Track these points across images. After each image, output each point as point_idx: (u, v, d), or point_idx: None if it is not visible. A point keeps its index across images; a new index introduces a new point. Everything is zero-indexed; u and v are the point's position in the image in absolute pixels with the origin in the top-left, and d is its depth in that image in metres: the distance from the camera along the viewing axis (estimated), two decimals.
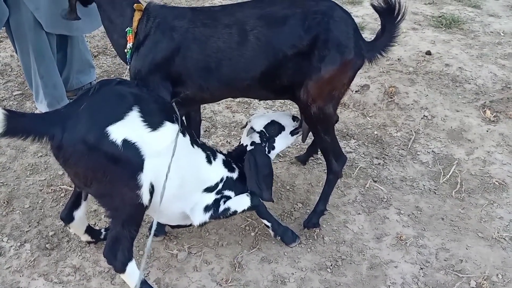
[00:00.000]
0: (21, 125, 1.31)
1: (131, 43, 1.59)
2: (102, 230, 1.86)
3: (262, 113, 2.43)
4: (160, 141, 1.42)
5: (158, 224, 1.89)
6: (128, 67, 1.64)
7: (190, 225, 1.77)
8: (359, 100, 2.85)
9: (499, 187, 2.27)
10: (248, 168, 1.79)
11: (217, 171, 1.75)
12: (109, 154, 1.34)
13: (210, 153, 1.75)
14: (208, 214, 1.70)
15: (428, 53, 3.31)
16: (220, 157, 1.79)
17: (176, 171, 1.47)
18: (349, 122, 2.69)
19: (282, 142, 1.93)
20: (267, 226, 1.87)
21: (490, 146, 2.51)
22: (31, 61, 2.36)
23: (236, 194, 1.79)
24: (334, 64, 1.61)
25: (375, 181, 2.29)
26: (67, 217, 1.67)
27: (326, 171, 2.32)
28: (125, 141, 1.34)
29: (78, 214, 1.67)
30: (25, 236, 1.91)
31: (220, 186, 1.74)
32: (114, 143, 1.33)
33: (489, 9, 4.02)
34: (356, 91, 2.91)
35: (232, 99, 2.80)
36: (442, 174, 2.34)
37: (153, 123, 1.41)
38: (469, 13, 3.92)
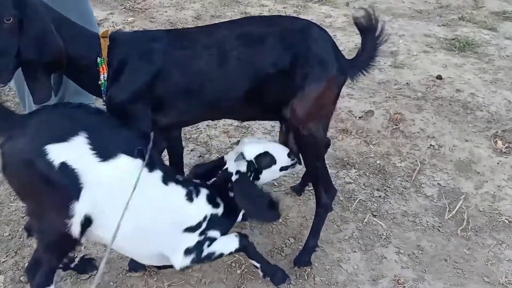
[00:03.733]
0: None
1: (105, 74, 1.49)
2: (76, 259, 1.78)
3: (257, 139, 2.33)
4: (107, 173, 1.33)
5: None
6: (104, 99, 1.53)
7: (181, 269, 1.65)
8: (362, 126, 2.72)
9: (508, 225, 2.10)
10: (242, 203, 1.66)
11: (200, 209, 1.61)
12: (43, 174, 1.28)
13: (193, 189, 1.61)
14: (190, 258, 1.56)
15: (439, 77, 3.17)
16: (203, 192, 1.65)
17: (133, 210, 1.37)
18: (351, 150, 2.56)
19: (268, 176, 1.79)
20: (256, 267, 1.75)
21: (500, 180, 2.35)
22: (24, 80, 2.32)
23: (222, 232, 1.67)
24: (318, 81, 1.57)
25: (374, 216, 2.15)
26: (29, 230, 1.62)
27: None
28: (63, 165, 1.27)
29: None
30: (0, 267, 1.84)
31: (204, 225, 1.60)
32: (50, 164, 1.26)
33: (506, 31, 3.86)
34: (359, 117, 2.79)
35: (230, 123, 2.71)
36: (448, 209, 2.19)
37: (104, 154, 1.33)
38: (484, 36, 3.76)
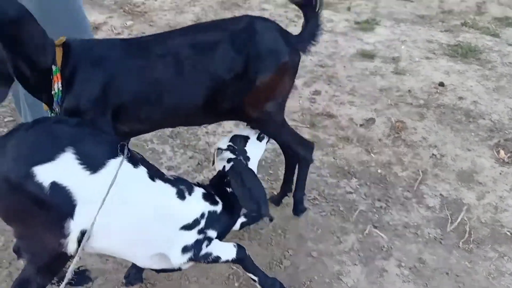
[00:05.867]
0: None
1: (59, 83, 1.45)
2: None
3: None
4: (99, 184, 1.30)
5: (135, 270, 1.76)
6: (57, 109, 1.50)
7: (180, 269, 1.62)
8: (363, 135, 2.69)
9: (510, 238, 2.07)
10: (236, 186, 1.62)
11: (195, 206, 1.57)
12: (33, 197, 1.23)
13: (184, 187, 1.56)
14: (187, 256, 1.53)
15: (441, 84, 3.14)
16: (198, 191, 1.61)
17: (128, 212, 1.35)
18: (352, 158, 2.53)
19: (253, 150, 1.80)
20: (254, 280, 1.72)
21: (503, 190, 2.32)
22: (19, 88, 2.28)
23: (222, 230, 1.64)
24: (270, 70, 1.63)
25: (375, 227, 2.12)
26: (18, 252, 1.57)
27: (321, 213, 2.18)
28: (54, 184, 1.23)
29: None
30: None
31: (202, 223, 1.56)
32: (40, 185, 1.22)
33: (509, 38, 3.82)
34: (360, 125, 2.76)
35: (228, 130, 2.68)
36: (450, 221, 2.16)
37: (93, 165, 1.29)
38: (487, 42, 3.73)
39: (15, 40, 1.36)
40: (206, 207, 1.59)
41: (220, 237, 1.63)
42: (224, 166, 1.75)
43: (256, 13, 4.21)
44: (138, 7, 4.33)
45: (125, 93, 1.53)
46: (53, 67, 1.43)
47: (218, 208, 1.63)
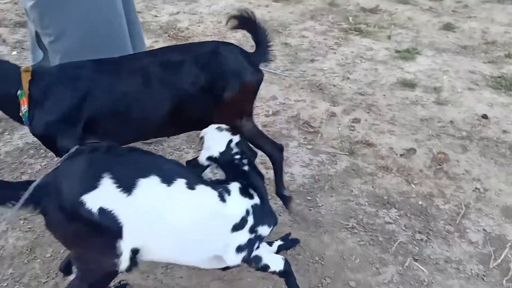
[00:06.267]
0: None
1: (25, 106, 1.60)
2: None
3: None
4: (136, 204, 1.36)
5: None
6: (29, 128, 1.65)
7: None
8: (403, 165, 2.66)
9: None
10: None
11: (237, 205, 1.58)
12: (86, 223, 1.32)
13: (222, 189, 1.58)
14: (241, 256, 1.57)
15: (485, 116, 3.08)
16: (234, 188, 1.61)
17: (173, 224, 1.42)
18: (391, 188, 2.50)
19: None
20: None
21: None
22: (32, 37, 2.36)
23: (270, 225, 1.65)
24: (234, 88, 1.79)
25: (416, 260, 2.07)
26: (65, 270, 1.66)
27: (360, 242, 2.16)
28: (101, 210, 1.32)
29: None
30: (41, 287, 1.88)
31: (251, 220, 1.57)
32: (90, 212, 1.31)
33: None
34: (400, 155, 2.73)
35: None
36: (493, 257, 2.09)
37: (127, 186, 1.36)
38: None
39: None
40: (247, 202, 1.61)
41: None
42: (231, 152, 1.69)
43: (296, 39, 4.29)
44: (182, 32, 4.49)
45: (96, 109, 1.67)
46: (19, 92, 1.59)
47: (257, 200, 1.64)
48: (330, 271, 2.01)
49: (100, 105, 1.66)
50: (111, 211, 1.33)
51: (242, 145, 1.70)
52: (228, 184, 1.62)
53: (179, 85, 1.73)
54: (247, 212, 1.58)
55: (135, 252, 1.38)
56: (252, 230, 1.58)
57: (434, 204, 2.39)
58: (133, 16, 2.46)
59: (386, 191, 2.48)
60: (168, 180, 1.43)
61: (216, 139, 1.71)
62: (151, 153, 1.58)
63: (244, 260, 1.58)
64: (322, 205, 2.36)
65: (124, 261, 1.37)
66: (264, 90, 3.41)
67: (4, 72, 1.63)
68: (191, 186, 1.48)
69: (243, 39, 4.30)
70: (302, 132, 2.95)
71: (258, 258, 1.60)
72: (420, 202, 2.41)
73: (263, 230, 1.61)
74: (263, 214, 1.63)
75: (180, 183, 1.46)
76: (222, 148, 1.69)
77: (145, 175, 1.39)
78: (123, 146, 1.56)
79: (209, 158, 1.70)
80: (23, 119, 1.64)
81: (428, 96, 3.33)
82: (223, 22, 4.65)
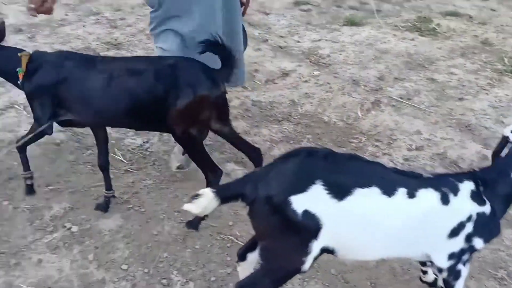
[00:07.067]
0: (227, 193, 1.53)
1: (21, 80, 2.18)
2: None
3: None
4: (345, 210, 1.42)
5: None
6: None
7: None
8: None
9: None
10: None
11: (461, 208, 1.50)
12: (288, 221, 1.42)
13: (448, 189, 1.50)
14: (450, 263, 1.55)
15: None
16: (466, 189, 1.51)
17: (381, 230, 1.47)
18: None
19: None
20: None
21: None
22: None
23: (486, 240, 1.57)
24: (187, 98, 2.03)
25: None
26: (241, 256, 1.77)
27: None
28: (305, 212, 1.41)
29: (251, 256, 1.75)
30: (191, 275, 2.05)
31: (470, 227, 1.50)
32: (294, 212, 1.41)
33: None
34: None
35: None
36: None
37: (339, 193, 1.42)
38: None
39: None
40: (474, 208, 1.52)
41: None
42: None
43: (443, 76, 4.13)
44: (324, 58, 4.59)
45: (69, 92, 2.14)
46: (18, 69, 2.17)
47: (487, 209, 1.54)
48: None
49: (71, 90, 2.13)
50: (314, 213, 1.41)
51: None
52: (461, 181, 1.54)
53: (134, 90, 2.08)
54: (469, 218, 1.50)
55: (324, 250, 1.47)
56: (468, 239, 1.52)
57: None
58: (237, 26, 2.58)
59: None
60: (388, 191, 1.45)
61: None
62: (372, 162, 1.65)
63: (450, 269, 1.54)
64: None
65: (309, 261, 1.47)
66: (407, 124, 3.34)
67: (10, 55, 2.22)
68: (412, 194, 1.46)
69: (385, 71, 4.28)
70: (449, 172, 2.81)
71: (457, 274, 1.54)
72: None
73: (478, 242, 1.55)
74: (485, 226, 1.53)
75: (400, 194, 1.46)
76: None
77: (364, 185, 1.44)
78: (343, 153, 1.65)
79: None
80: (20, 86, 2.24)
81: None
82: (364, 52, 4.68)
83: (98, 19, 5.20)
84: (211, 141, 3.09)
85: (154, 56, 2.33)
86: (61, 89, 2.12)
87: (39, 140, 2.55)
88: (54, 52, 2.35)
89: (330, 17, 5.71)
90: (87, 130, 2.44)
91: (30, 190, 2.47)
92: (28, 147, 2.38)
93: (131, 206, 2.44)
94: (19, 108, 3.31)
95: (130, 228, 2.32)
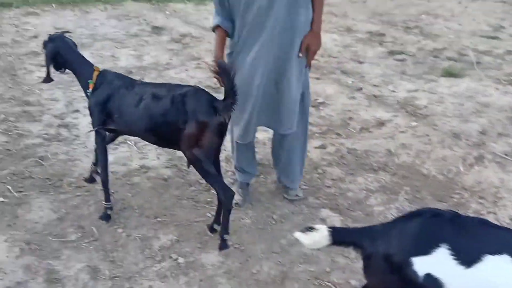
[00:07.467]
0: (342, 238, 1.54)
1: (90, 89, 2.61)
2: None
3: None
4: (472, 278, 1.36)
5: None
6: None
7: None
8: None
9: None
10: None
11: None
12: (408, 282, 1.39)
13: None
14: None
15: None
16: None
17: None
18: None
19: None
20: None
21: None
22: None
23: None
24: (192, 124, 2.33)
25: None
26: None
27: None
28: (428, 275, 1.37)
29: None
30: None
31: None
32: (415, 273, 1.38)
33: None
34: None
35: None
36: None
37: (468, 260, 1.36)
38: None
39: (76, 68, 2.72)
40: None
41: None
42: None
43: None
44: (421, 109, 4.51)
45: (113, 105, 2.54)
46: (89, 80, 2.61)
47: None
48: None
49: (114, 105, 2.53)
50: (437, 278, 1.37)
51: None
52: None
53: (153, 112, 2.42)
54: None
55: None
56: None
57: None
58: (298, 95, 2.71)
59: None
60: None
61: None
62: (503, 227, 1.60)
63: None
64: None
65: None
66: None
67: (89, 66, 2.66)
68: None
69: (488, 125, 4.09)
70: None
71: None
72: None
73: None
74: None
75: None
76: None
77: (494, 252, 1.39)
78: (470, 216, 1.61)
79: None
80: (89, 95, 2.62)
81: None
82: (465, 105, 4.53)
83: (199, 63, 5.64)
84: (306, 186, 3.15)
85: (174, 83, 2.68)
86: (108, 104, 2.56)
87: (149, 175, 2.79)
88: (113, 72, 2.73)
89: (427, 67, 5.64)
90: (191, 168, 2.63)
91: (106, 217, 2.74)
92: (140, 181, 2.61)
93: (231, 243, 2.55)
94: (130, 143, 3.65)
95: (231, 264, 2.42)
